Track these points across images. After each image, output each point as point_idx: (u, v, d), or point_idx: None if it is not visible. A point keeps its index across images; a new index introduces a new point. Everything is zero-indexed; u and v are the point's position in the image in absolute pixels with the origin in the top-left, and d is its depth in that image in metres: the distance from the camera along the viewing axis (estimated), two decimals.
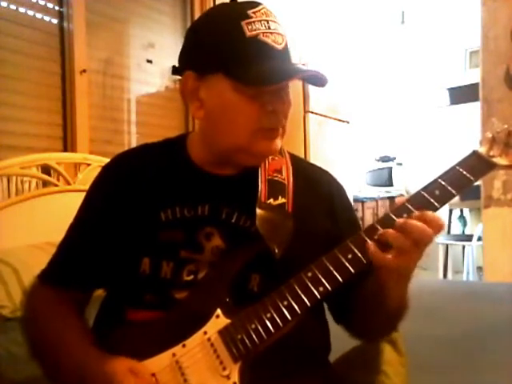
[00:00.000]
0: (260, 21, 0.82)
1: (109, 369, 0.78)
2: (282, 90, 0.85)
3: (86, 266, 0.94)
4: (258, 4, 0.85)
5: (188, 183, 0.93)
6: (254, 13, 0.83)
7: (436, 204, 0.77)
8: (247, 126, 0.84)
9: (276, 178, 0.93)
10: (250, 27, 0.81)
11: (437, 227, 0.74)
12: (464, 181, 0.79)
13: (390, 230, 0.75)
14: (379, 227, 0.77)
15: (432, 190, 0.78)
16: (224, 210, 0.90)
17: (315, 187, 0.98)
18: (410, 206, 0.78)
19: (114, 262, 0.92)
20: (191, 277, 0.88)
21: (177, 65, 0.91)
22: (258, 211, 0.87)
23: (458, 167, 0.80)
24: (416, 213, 0.75)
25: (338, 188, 1.02)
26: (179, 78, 0.90)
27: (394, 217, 0.77)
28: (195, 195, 0.91)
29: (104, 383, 0.77)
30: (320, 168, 1.05)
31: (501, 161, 0.81)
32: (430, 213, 0.75)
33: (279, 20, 0.86)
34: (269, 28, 0.83)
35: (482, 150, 0.82)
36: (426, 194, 0.78)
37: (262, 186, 0.91)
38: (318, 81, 0.86)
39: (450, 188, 0.78)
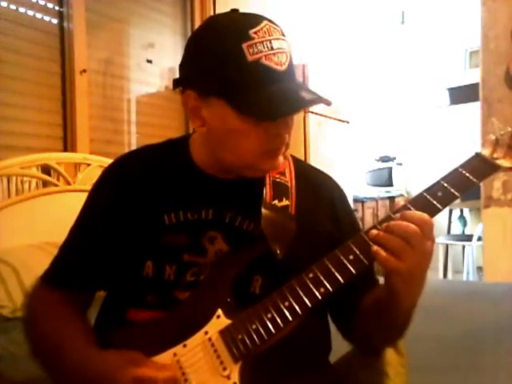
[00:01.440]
0: (262, 42, 0.78)
1: (110, 365, 0.78)
2: None
3: (88, 268, 0.94)
4: (261, 21, 0.81)
5: (191, 186, 0.93)
6: (255, 33, 0.78)
7: (438, 206, 0.77)
8: (251, 149, 0.83)
9: (280, 180, 0.93)
10: (251, 50, 0.77)
11: (421, 224, 0.73)
12: (467, 183, 0.79)
13: (381, 233, 0.74)
14: (380, 228, 0.77)
15: (434, 191, 0.78)
16: (227, 213, 0.90)
17: (317, 190, 0.98)
18: (411, 208, 0.78)
19: (116, 265, 0.92)
20: (193, 278, 0.88)
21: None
22: (264, 211, 0.87)
23: (460, 169, 0.80)
24: (398, 215, 0.75)
25: (339, 192, 1.02)
26: (180, 88, 0.88)
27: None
28: (199, 199, 0.91)
29: (106, 380, 0.77)
30: (322, 172, 1.05)
31: (504, 163, 0.81)
32: (410, 212, 0.75)
33: (282, 31, 0.83)
34: (271, 48, 0.79)
35: (486, 152, 0.82)
36: (428, 196, 0.78)
37: (267, 188, 0.91)
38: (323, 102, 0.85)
39: (452, 190, 0.78)
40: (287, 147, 0.88)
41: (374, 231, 0.75)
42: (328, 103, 0.83)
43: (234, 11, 0.86)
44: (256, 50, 0.78)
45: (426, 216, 0.74)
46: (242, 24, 0.80)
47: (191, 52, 0.86)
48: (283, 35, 0.83)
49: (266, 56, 0.78)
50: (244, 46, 0.78)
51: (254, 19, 0.81)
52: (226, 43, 0.79)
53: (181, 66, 0.88)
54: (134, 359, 0.78)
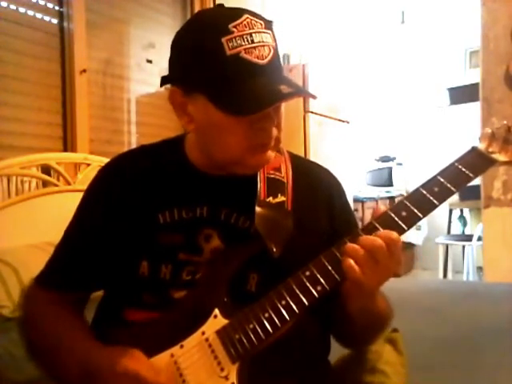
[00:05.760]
0: (242, 36, 0.77)
1: (111, 358, 0.78)
2: (269, 109, 0.81)
3: (82, 269, 0.94)
4: (241, 14, 0.80)
5: (186, 184, 0.92)
6: (235, 26, 0.77)
7: (435, 201, 0.77)
8: (236, 144, 0.82)
9: (275, 176, 0.93)
10: (230, 44, 0.77)
11: (387, 241, 0.73)
12: (463, 178, 0.78)
13: (350, 244, 0.75)
14: (377, 225, 0.77)
15: (431, 187, 0.78)
16: (223, 210, 0.90)
17: (315, 186, 0.98)
18: (408, 204, 0.77)
19: (112, 264, 0.92)
20: (190, 277, 0.88)
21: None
22: (258, 209, 0.86)
23: (457, 164, 0.79)
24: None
25: (337, 187, 1.02)
26: (169, 86, 0.88)
27: (392, 214, 0.77)
28: (193, 197, 0.91)
29: (111, 374, 0.76)
30: (319, 166, 1.04)
31: (500, 157, 0.80)
32: (381, 231, 0.75)
33: (268, 25, 0.81)
34: (252, 42, 0.78)
35: (482, 146, 0.81)
36: (424, 192, 0.78)
37: (261, 184, 0.90)
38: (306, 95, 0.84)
39: (449, 185, 0.77)
40: (277, 142, 0.87)
41: (349, 245, 0.75)
42: (311, 96, 0.83)
43: (220, 6, 0.86)
44: (235, 43, 0.77)
45: (394, 234, 0.74)
46: (222, 18, 0.80)
47: (175, 48, 0.86)
48: (267, 28, 0.81)
49: (245, 50, 0.77)
50: (223, 40, 0.77)
51: (235, 13, 0.80)
52: (206, 38, 0.79)
53: (168, 64, 0.88)
54: (136, 357, 0.78)
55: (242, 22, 0.78)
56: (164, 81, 0.89)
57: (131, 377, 0.75)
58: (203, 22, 0.83)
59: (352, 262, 0.74)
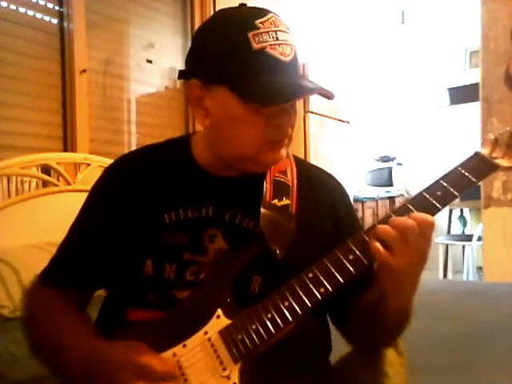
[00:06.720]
0: (268, 32, 0.80)
1: (122, 352, 0.78)
2: (288, 105, 0.83)
3: (87, 267, 0.94)
4: (267, 13, 0.82)
5: (192, 185, 0.93)
6: (261, 23, 0.80)
7: (438, 205, 0.77)
8: (253, 139, 0.83)
9: (281, 179, 0.93)
10: (257, 39, 0.79)
11: (422, 223, 0.73)
12: (466, 182, 0.79)
13: (380, 225, 0.74)
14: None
15: (434, 191, 0.78)
16: (227, 211, 0.90)
17: (318, 190, 0.98)
18: (411, 207, 0.77)
19: (116, 263, 0.92)
20: (193, 277, 0.88)
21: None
22: (263, 211, 0.87)
23: (459, 168, 0.80)
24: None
25: (341, 192, 1.02)
26: (183, 80, 0.89)
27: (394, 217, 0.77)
28: (199, 197, 0.91)
29: (118, 367, 0.77)
30: (323, 171, 1.05)
31: (503, 162, 0.81)
32: (417, 213, 0.75)
33: (289, 28, 0.84)
34: (277, 39, 0.80)
35: (485, 151, 0.82)
36: (427, 195, 0.78)
37: (267, 186, 0.91)
38: (325, 94, 0.85)
39: (451, 189, 0.78)
40: (290, 141, 0.88)
41: (380, 227, 0.74)
42: (330, 95, 0.83)
43: (243, 5, 0.87)
44: (261, 39, 0.79)
45: (429, 218, 0.74)
46: (248, 15, 0.82)
47: (198, 42, 0.87)
48: (288, 29, 0.84)
49: (271, 46, 0.79)
50: (250, 34, 0.79)
51: (261, 11, 0.83)
52: (232, 32, 0.81)
53: (187, 57, 0.88)
54: (143, 348, 0.79)
55: (268, 20, 0.81)
56: (181, 75, 0.89)
57: (139, 367, 0.75)
58: (229, 17, 0.85)
59: (379, 245, 0.73)
